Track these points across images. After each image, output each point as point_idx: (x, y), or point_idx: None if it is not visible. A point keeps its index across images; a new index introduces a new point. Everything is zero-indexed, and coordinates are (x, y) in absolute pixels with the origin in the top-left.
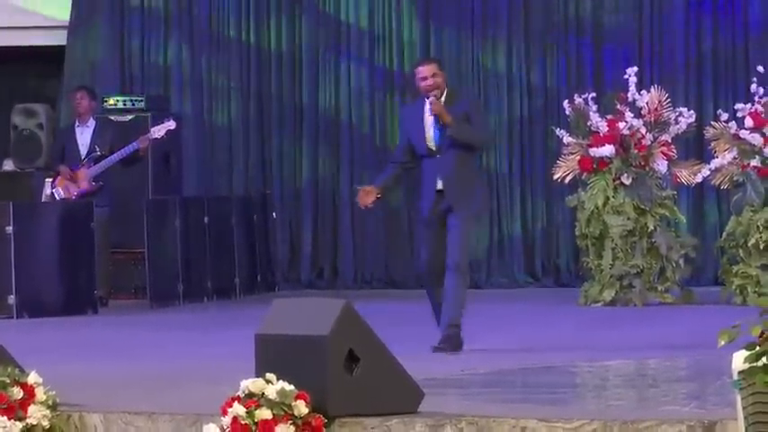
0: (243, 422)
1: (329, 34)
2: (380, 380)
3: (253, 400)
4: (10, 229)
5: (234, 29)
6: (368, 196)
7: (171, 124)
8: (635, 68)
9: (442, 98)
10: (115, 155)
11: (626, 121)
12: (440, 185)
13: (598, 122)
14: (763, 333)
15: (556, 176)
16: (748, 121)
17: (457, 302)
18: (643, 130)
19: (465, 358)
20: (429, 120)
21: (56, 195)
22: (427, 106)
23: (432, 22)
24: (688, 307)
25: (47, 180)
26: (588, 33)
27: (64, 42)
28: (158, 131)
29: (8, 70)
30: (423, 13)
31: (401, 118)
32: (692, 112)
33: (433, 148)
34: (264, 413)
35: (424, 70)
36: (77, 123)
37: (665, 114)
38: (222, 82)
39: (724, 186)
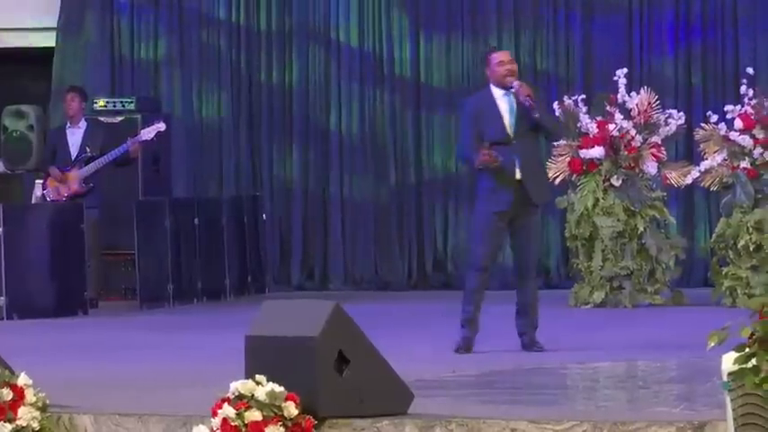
0: (233, 424)
1: (319, 37)
2: (370, 381)
3: (243, 401)
4: (0, 230)
5: (224, 31)
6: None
7: (161, 126)
8: (624, 70)
9: (521, 89)
10: (106, 156)
11: (616, 123)
12: (518, 174)
13: (588, 124)
14: (752, 335)
15: None
16: (738, 123)
17: (536, 306)
18: (633, 132)
19: (455, 360)
20: (504, 106)
21: (46, 197)
22: (499, 93)
23: (422, 27)
24: (678, 308)
25: (37, 181)
26: (578, 35)
27: (53, 44)
28: (148, 133)
29: None
30: (413, 17)
31: (466, 110)
32: (681, 113)
33: (511, 135)
34: (254, 415)
35: (503, 55)
36: (68, 125)
37: (655, 116)
38: (212, 84)
39: (714, 188)
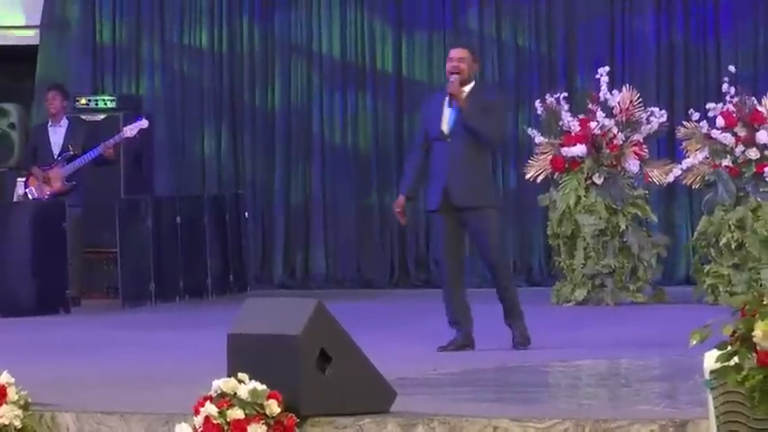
0: (215, 422)
1: (301, 37)
2: (352, 379)
3: (225, 399)
4: None
5: (206, 29)
6: (402, 214)
7: (143, 123)
8: (606, 68)
9: (467, 87)
10: (88, 154)
11: (597, 121)
12: (447, 174)
13: (570, 122)
14: (734, 332)
15: (528, 176)
16: (720, 121)
17: (515, 305)
18: (615, 130)
19: (437, 358)
20: (447, 102)
21: (29, 195)
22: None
23: (404, 25)
24: (660, 306)
25: (19, 180)
26: (560, 33)
27: (36, 42)
28: (131, 130)
29: None
30: (394, 17)
31: (423, 104)
32: (663, 111)
33: (446, 132)
34: (236, 413)
35: (453, 53)
36: (50, 123)
37: (637, 114)
38: (194, 81)
39: (695, 186)
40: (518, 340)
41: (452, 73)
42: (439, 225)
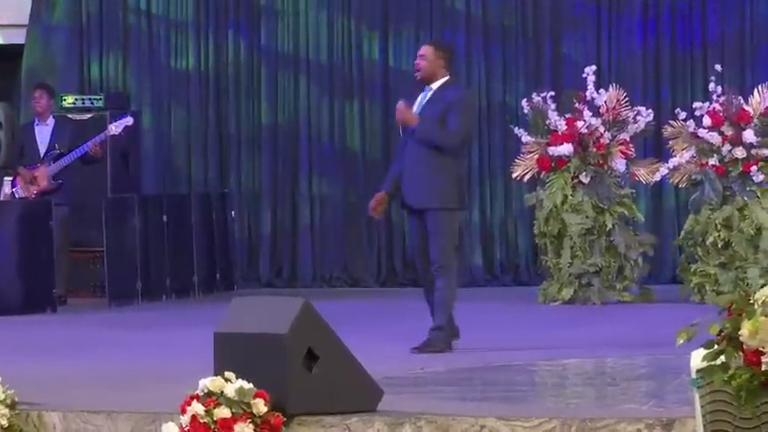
0: (202, 421)
1: (288, 38)
2: (339, 378)
3: (212, 398)
4: None
5: (192, 29)
6: (380, 206)
7: (128, 120)
8: (593, 67)
9: (435, 84)
10: (74, 152)
11: (584, 120)
12: (405, 174)
13: (556, 121)
14: (721, 332)
15: (514, 175)
16: (706, 120)
17: (440, 306)
18: (601, 129)
19: (424, 357)
20: (419, 99)
21: (16, 194)
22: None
23: (390, 24)
24: (646, 305)
25: (6, 179)
26: (547, 32)
27: (23, 41)
28: (116, 128)
29: None
30: (381, 17)
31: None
32: (650, 110)
33: (408, 131)
34: (223, 412)
35: (419, 50)
36: (37, 122)
37: (624, 113)
38: (181, 81)
39: (682, 185)
40: (420, 345)
41: (416, 71)
42: (409, 224)
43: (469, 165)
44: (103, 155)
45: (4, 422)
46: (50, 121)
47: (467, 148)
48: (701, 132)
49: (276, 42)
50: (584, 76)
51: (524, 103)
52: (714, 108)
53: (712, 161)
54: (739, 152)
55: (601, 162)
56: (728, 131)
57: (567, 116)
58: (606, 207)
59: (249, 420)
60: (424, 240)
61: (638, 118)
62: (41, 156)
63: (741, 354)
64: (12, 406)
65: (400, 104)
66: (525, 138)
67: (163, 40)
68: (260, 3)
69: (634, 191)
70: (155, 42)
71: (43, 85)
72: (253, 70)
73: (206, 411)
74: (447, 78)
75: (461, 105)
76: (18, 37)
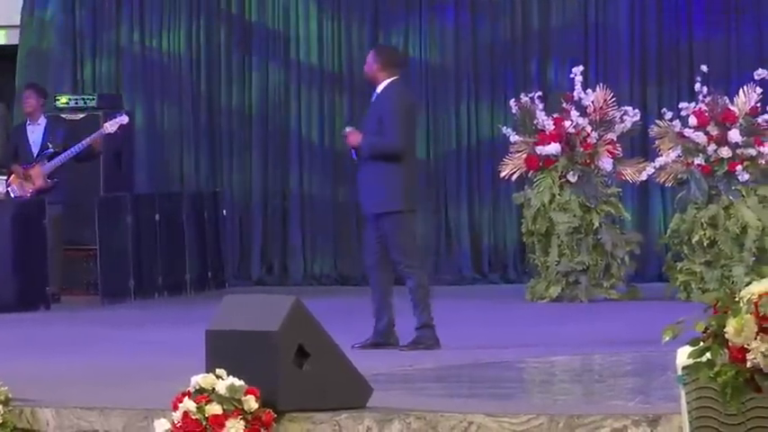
0: (193, 417)
1: (278, 39)
2: (330, 375)
3: (203, 395)
4: None
5: (184, 27)
6: (355, 135)
7: (123, 119)
8: (580, 68)
9: (379, 87)
10: (69, 151)
11: (572, 120)
12: (359, 183)
13: (544, 121)
14: (706, 329)
15: (503, 174)
16: (692, 120)
17: (419, 305)
18: (588, 129)
19: (412, 354)
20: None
21: (11, 193)
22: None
23: (380, 26)
24: (633, 303)
25: (1, 178)
26: (534, 32)
27: (17, 41)
28: (111, 126)
29: None
30: (371, 18)
31: None
32: (636, 110)
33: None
34: (215, 408)
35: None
36: (28, 122)
37: (611, 113)
38: (173, 80)
39: (668, 184)
40: (408, 343)
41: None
42: (366, 232)
43: (457, 164)
44: (100, 151)
45: None
46: (42, 120)
47: (411, 150)
48: (687, 132)
49: (268, 41)
50: (572, 76)
51: (512, 103)
52: (700, 108)
53: (698, 161)
54: (725, 152)
55: (588, 161)
56: (714, 131)
57: (555, 116)
58: (593, 206)
59: (240, 417)
60: (383, 246)
61: (625, 118)
62: (34, 156)
63: (726, 351)
64: (5, 402)
65: (349, 131)
66: (513, 137)
67: (155, 40)
68: (251, 16)
69: (621, 190)
70: (147, 42)
71: (32, 85)
72: (244, 70)
73: (197, 408)
74: (389, 81)
75: (391, 114)
76: (13, 37)
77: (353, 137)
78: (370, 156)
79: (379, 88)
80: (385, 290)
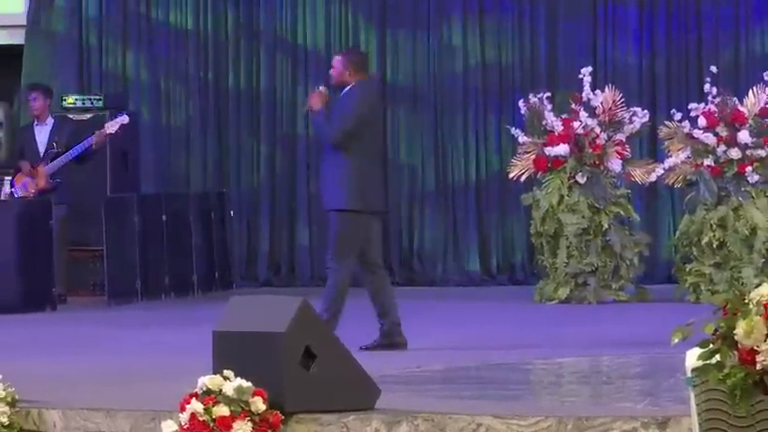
0: (201, 419)
1: (286, 37)
2: (337, 377)
3: (210, 396)
4: None
5: (192, 27)
6: (317, 99)
7: (124, 119)
8: (589, 68)
9: (345, 90)
10: (71, 152)
11: (580, 121)
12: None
13: (553, 122)
14: (716, 331)
15: (511, 175)
16: (701, 121)
17: (328, 308)
18: (597, 130)
19: (421, 355)
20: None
21: (15, 194)
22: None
23: (388, 25)
24: (642, 305)
25: (6, 178)
26: (542, 34)
27: (22, 41)
28: (112, 127)
29: None
30: (379, 19)
31: None
32: (645, 111)
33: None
34: (222, 410)
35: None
36: (36, 122)
37: (620, 114)
38: (180, 81)
39: (677, 185)
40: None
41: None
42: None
43: (466, 164)
44: (99, 151)
45: (5, 420)
46: (49, 121)
47: (374, 150)
48: (697, 133)
49: (275, 39)
50: (581, 76)
51: (521, 103)
52: (709, 109)
53: (707, 162)
54: (734, 153)
55: (597, 162)
56: (723, 132)
57: (564, 117)
58: (602, 207)
59: (248, 418)
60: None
61: (634, 119)
62: (41, 156)
63: (736, 353)
64: (12, 404)
65: (319, 91)
66: (522, 138)
67: (162, 39)
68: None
69: (630, 191)
70: (154, 42)
71: (38, 86)
72: (252, 69)
73: (205, 409)
74: (353, 84)
75: (346, 106)
76: (18, 37)
77: (316, 100)
78: (316, 129)
79: (345, 91)
80: (379, 290)
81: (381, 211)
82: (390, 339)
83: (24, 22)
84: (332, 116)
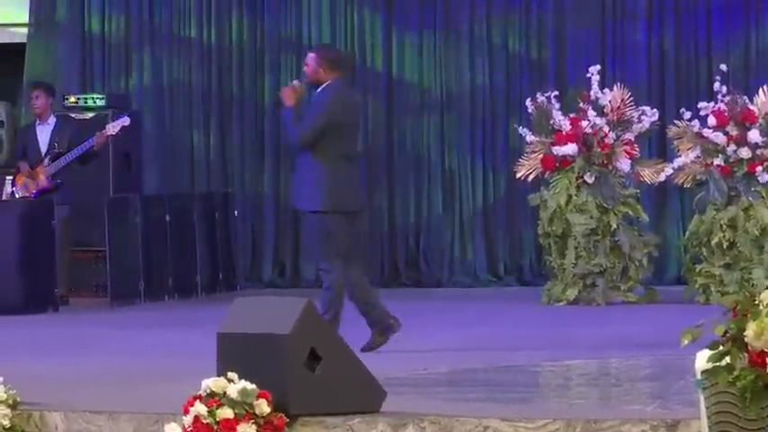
0: (204, 421)
1: (290, 34)
2: (342, 379)
3: (214, 399)
4: None
5: (195, 27)
6: (291, 94)
7: (125, 120)
8: (597, 67)
9: (319, 89)
10: (72, 152)
11: (589, 120)
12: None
13: (561, 121)
14: (726, 332)
15: (518, 175)
16: (711, 120)
17: (328, 310)
18: (606, 129)
19: (427, 357)
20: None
21: (15, 194)
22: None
23: (394, 25)
24: (651, 306)
25: (7, 178)
26: (551, 31)
27: (25, 40)
28: (113, 128)
29: None
30: (385, 16)
31: None
32: (654, 110)
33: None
34: (226, 412)
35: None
36: (38, 122)
37: (628, 113)
38: (183, 80)
39: (687, 185)
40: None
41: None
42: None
43: (473, 164)
44: (101, 152)
45: (6, 422)
46: (51, 120)
47: (342, 150)
48: (706, 132)
49: (279, 39)
50: (589, 75)
51: (528, 102)
52: (719, 108)
53: (717, 161)
54: (744, 152)
55: (605, 162)
56: (733, 131)
57: (572, 116)
58: (611, 207)
59: (252, 421)
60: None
61: (643, 118)
62: (43, 155)
63: (746, 355)
64: (14, 406)
65: (292, 85)
66: (529, 137)
67: (166, 39)
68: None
69: (639, 191)
70: (157, 41)
71: (40, 84)
72: (256, 69)
73: (209, 412)
74: (328, 83)
75: (317, 105)
76: (20, 36)
77: (289, 94)
78: (285, 126)
79: (319, 88)
80: (356, 286)
81: (356, 210)
82: (382, 325)
83: (26, 21)
84: (303, 115)
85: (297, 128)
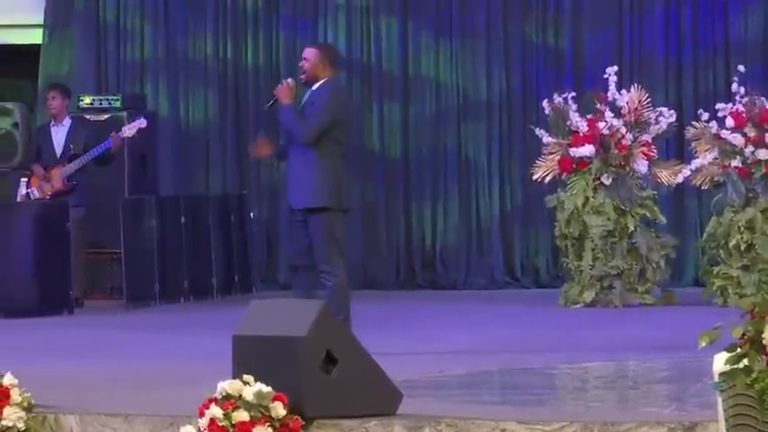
0: (220, 424)
1: (306, 36)
2: (358, 381)
3: (230, 401)
4: None
5: (210, 28)
6: (264, 148)
7: (141, 122)
8: (615, 68)
9: (315, 85)
10: (88, 154)
11: (606, 121)
12: (289, 172)
13: (578, 122)
14: (744, 335)
15: (535, 177)
16: (729, 121)
17: (340, 312)
18: (623, 130)
19: (443, 359)
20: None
21: (30, 195)
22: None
23: (410, 23)
24: (668, 308)
25: (22, 180)
26: (568, 32)
27: (40, 41)
28: (129, 130)
29: None
30: (401, 16)
31: None
32: (672, 111)
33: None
34: (242, 415)
35: (304, 52)
36: (53, 123)
37: (646, 114)
38: (199, 82)
39: (704, 187)
40: None
41: (301, 73)
42: (293, 224)
43: (489, 165)
44: (117, 154)
45: (21, 425)
46: (67, 121)
47: (341, 148)
48: (724, 134)
49: (295, 42)
50: (606, 76)
51: (545, 103)
52: (737, 109)
53: (735, 163)
54: (762, 153)
55: (622, 163)
56: (751, 133)
57: (589, 117)
58: (628, 209)
59: (268, 424)
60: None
61: (660, 119)
62: (58, 157)
63: (764, 357)
64: (29, 408)
65: (286, 83)
66: (546, 139)
67: (180, 39)
68: (278, 8)
69: (656, 192)
70: (172, 41)
71: (56, 85)
72: (271, 69)
73: (224, 415)
74: (326, 79)
75: (322, 102)
76: (35, 37)
77: (285, 92)
78: (285, 124)
79: (316, 86)
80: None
81: (350, 209)
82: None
83: (42, 22)
84: (306, 112)
85: (301, 125)
